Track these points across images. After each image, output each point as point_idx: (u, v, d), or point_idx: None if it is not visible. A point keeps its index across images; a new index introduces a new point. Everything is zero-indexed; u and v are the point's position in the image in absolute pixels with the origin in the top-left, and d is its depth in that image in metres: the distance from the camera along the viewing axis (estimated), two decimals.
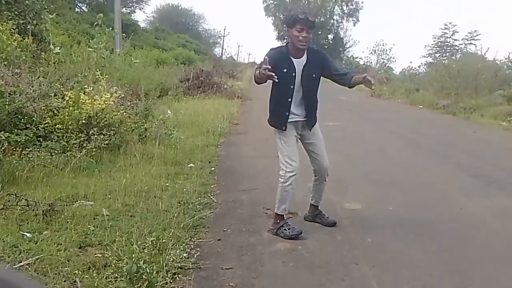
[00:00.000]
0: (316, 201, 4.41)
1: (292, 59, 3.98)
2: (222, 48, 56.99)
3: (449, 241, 4.06)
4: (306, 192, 4.56)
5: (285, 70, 3.92)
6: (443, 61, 25.17)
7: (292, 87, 3.99)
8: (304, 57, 4.02)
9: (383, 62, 35.20)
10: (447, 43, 32.09)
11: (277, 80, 3.72)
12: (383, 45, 35.09)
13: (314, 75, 4.07)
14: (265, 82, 3.84)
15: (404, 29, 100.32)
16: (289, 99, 4.02)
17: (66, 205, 4.25)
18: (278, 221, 4.11)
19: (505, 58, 19.40)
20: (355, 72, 4.15)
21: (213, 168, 6.36)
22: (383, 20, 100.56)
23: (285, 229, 4.04)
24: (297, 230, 4.04)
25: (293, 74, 3.97)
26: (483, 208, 5.03)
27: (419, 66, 28.74)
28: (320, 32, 54.18)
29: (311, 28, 3.92)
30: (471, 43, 29.77)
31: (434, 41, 32.58)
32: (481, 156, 8.34)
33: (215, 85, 17.23)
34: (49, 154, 5.56)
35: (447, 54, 30.53)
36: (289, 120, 4.06)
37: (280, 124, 4.08)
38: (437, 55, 32.00)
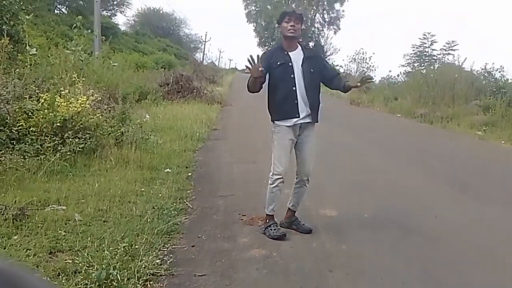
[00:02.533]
0: (294, 205, 4.40)
1: (287, 52, 4.13)
2: (203, 53, 56.83)
3: (423, 249, 4.08)
4: (283, 199, 4.54)
5: (278, 63, 4.08)
6: (421, 71, 25.48)
7: (292, 76, 4.08)
8: (300, 51, 4.18)
9: (363, 70, 35.42)
10: (425, 53, 32.43)
11: (263, 80, 3.85)
12: (363, 54, 35.29)
13: (312, 70, 4.16)
14: (258, 88, 3.96)
15: (384, 38, 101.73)
16: (293, 88, 4.08)
17: (38, 209, 4.16)
18: (267, 220, 4.20)
19: (482, 69, 19.74)
20: (343, 77, 4.34)
21: (190, 174, 6.30)
22: (364, 29, 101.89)
23: (271, 229, 4.12)
24: (281, 231, 4.12)
25: (290, 64, 4.09)
26: (457, 217, 5.09)
27: (398, 75, 29.01)
28: (301, 40, 54.33)
29: (298, 19, 4.12)
30: (449, 53, 30.17)
31: (413, 50, 32.90)
32: (457, 165, 8.46)
33: (195, 90, 17.16)
34: (22, 157, 5.44)
35: (426, 63, 30.88)
36: (295, 122, 4.09)
37: (292, 112, 4.07)
38: (415, 64, 32.32)
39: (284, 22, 4.10)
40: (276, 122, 4.14)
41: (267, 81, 4.11)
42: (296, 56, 4.14)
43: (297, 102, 4.07)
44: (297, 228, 4.35)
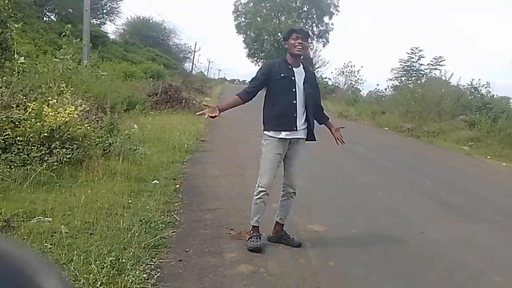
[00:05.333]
0: (281, 218, 4.40)
1: (291, 66, 4.17)
2: (193, 63, 56.86)
3: (410, 267, 4.11)
4: (271, 213, 4.53)
5: (282, 75, 4.12)
6: (409, 85, 25.75)
7: (293, 89, 4.13)
8: (302, 70, 4.24)
9: (351, 83, 35.77)
10: (413, 67, 32.83)
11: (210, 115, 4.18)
12: (351, 67, 35.68)
13: (310, 90, 4.24)
14: (252, 97, 4.20)
15: (372, 52, 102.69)
16: (294, 101, 4.13)
17: (23, 221, 4.11)
18: (252, 232, 4.23)
19: (468, 84, 20.03)
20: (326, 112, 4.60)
21: (177, 186, 6.27)
22: (353, 42, 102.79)
23: (252, 241, 4.15)
24: (257, 244, 4.12)
25: (293, 78, 4.14)
26: (444, 235, 5.12)
27: (385, 89, 29.33)
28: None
29: (306, 37, 4.20)
30: (436, 68, 30.58)
31: (400, 65, 33.29)
32: (444, 181, 8.53)
33: (183, 101, 17.18)
34: (8, 167, 5.36)
35: (413, 78, 31.23)
36: (286, 135, 4.12)
37: (290, 125, 4.12)
38: (403, 78, 32.68)
39: (291, 39, 4.13)
40: (267, 133, 4.15)
41: (264, 92, 4.20)
42: (299, 73, 4.20)
43: (296, 116, 4.12)
44: (286, 242, 4.35)
